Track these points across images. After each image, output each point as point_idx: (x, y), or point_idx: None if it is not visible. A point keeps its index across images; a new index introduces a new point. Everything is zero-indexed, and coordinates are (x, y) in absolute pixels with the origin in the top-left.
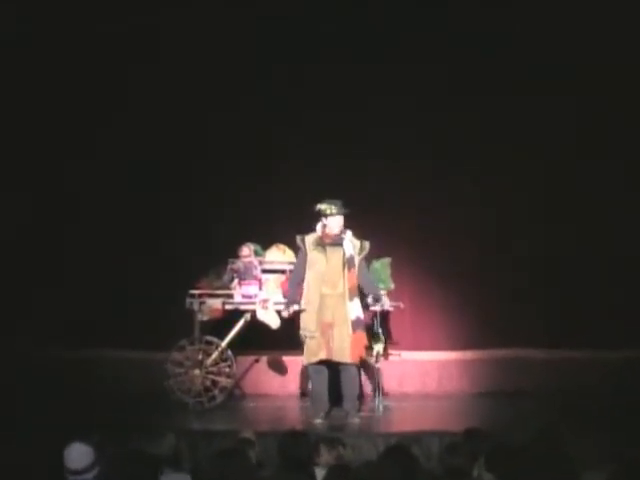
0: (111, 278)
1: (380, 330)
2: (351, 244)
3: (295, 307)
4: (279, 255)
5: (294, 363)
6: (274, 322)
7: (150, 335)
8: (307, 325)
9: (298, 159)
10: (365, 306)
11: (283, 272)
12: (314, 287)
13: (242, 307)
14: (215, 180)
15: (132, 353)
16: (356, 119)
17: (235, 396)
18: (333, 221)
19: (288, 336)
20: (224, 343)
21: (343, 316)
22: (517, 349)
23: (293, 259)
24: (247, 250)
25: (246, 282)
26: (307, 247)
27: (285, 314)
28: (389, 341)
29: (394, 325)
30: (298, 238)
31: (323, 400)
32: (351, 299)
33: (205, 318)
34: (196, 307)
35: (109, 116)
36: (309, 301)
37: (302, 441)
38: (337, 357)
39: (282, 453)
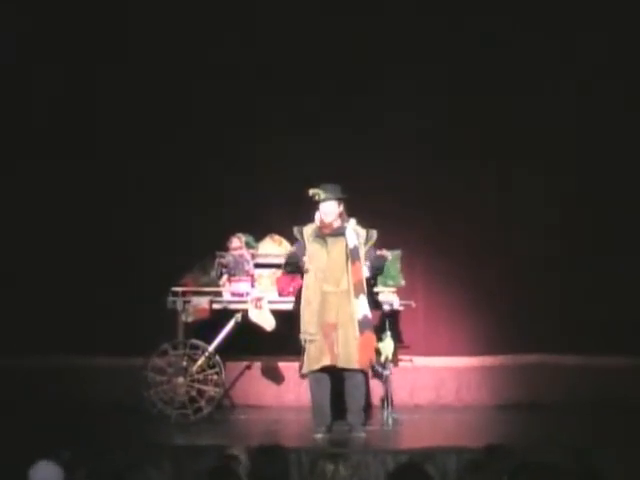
0: (78, 274)
1: (389, 332)
2: (355, 233)
3: (304, 259)
4: (274, 247)
5: (291, 370)
6: (268, 323)
7: (126, 339)
8: (307, 327)
9: (299, 137)
10: (372, 305)
11: (279, 267)
12: (314, 284)
13: (232, 306)
14: (197, 161)
15: (105, 359)
16: (369, 102)
17: (224, 408)
18: (325, 207)
19: (284, 339)
20: (211, 347)
21: (348, 316)
22: (544, 354)
23: None
24: (237, 242)
25: (236, 278)
26: (306, 239)
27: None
28: (399, 345)
29: (405, 327)
30: (295, 229)
31: (324, 412)
32: (357, 296)
33: (190, 319)
34: (179, 307)
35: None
36: (309, 300)
37: (276, 458)
38: (342, 363)
39: (254, 474)
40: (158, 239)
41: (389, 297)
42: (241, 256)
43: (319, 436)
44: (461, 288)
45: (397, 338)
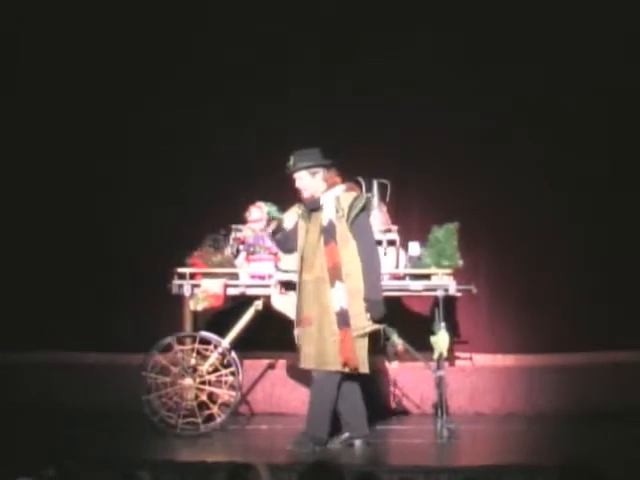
0: (63, 253)
1: (444, 324)
2: (332, 206)
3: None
4: None
5: None
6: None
7: (121, 331)
8: (295, 322)
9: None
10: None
11: None
12: (297, 272)
13: (251, 291)
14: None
15: (95, 356)
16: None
17: (241, 416)
18: (295, 182)
19: None
20: (226, 342)
21: (324, 308)
22: (634, 351)
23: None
24: (258, 212)
25: (256, 257)
26: (299, 215)
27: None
28: (456, 339)
29: (463, 317)
30: (296, 206)
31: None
32: (333, 284)
33: (199, 307)
34: (187, 292)
35: None
36: (296, 290)
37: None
38: (312, 364)
39: None
40: (157, 211)
41: (444, 280)
42: (262, 230)
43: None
44: (534, 271)
45: (453, 331)
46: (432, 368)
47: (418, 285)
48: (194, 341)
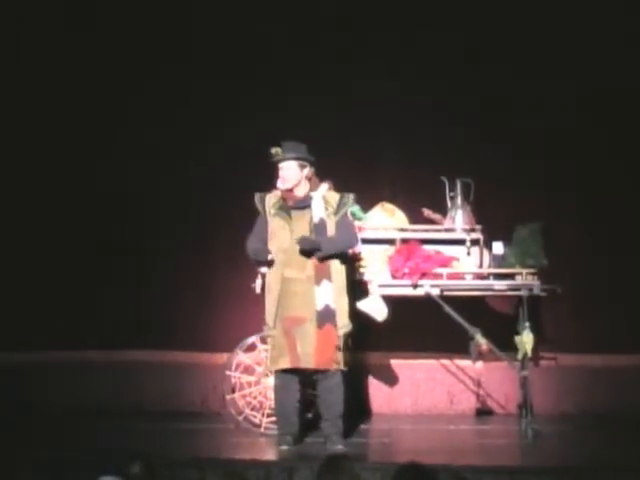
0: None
1: (528, 324)
2: (322, 203)
3: (270, 257)
4: (385, 218)
5: (407, 369)
6: (379, 312)
7: (205, 331)
8: (267, 319)
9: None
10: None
11: (392, 242)
12: (274, 269)
13: None
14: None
15: (177, 354)
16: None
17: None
18: (282, 170)
19: (398, 332)
20: None
21: (315, 307)
22: None
23: (405, 223)
24: None
25: None
26: (267, 210)
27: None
28: (540, 340)
29: (548, 317)
30: (256, 197)
31: (290, 420)
32: (319, 282)
33: None
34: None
35: None
36: (269, 287)
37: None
38: (305, 363)
39: None
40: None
41: (528, 280)
42: None
43: (284, 447)
44: (620, 269)
45: (538, 331)
46: (517, 368)
47: (502, 285)
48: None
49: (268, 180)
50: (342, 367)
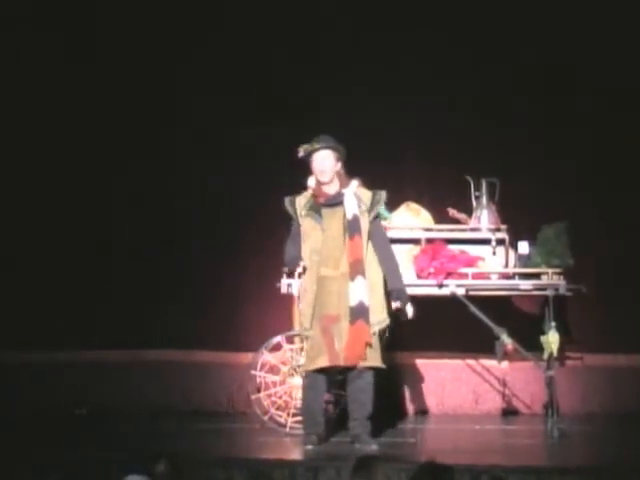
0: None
1: (554, 324)
2: (355, 200)
3: (302, 265)
4: (410, 218)
5: (432, 369)
6: (406, 311)
7: (231, 330)
8: (303, 321)
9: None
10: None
11: (417, 242)
12: (310, 268)
13: None
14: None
15: (202, 354)
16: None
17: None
18: (318, 162)
19: (424, 331)
20: None
21: (349, 303)
22: None
23: (430, 223)
24: None
25: None
26: (298, 212)
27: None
28: (566, 339)
29: (573, 316)
30: (286, 201)
31: (316, 419)
32: (353, 278)
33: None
34: (296, 291)
35: None
36: (305, 288)
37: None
38: (345, 361)
39: None
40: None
41: (554, 280)
42: None
43: (309, 447)
44: None
45: (563, 331)
46: (542, 368)
47: (528, 284)
48: (303, 340)
49: (295, 181)
50: (372, 364)
